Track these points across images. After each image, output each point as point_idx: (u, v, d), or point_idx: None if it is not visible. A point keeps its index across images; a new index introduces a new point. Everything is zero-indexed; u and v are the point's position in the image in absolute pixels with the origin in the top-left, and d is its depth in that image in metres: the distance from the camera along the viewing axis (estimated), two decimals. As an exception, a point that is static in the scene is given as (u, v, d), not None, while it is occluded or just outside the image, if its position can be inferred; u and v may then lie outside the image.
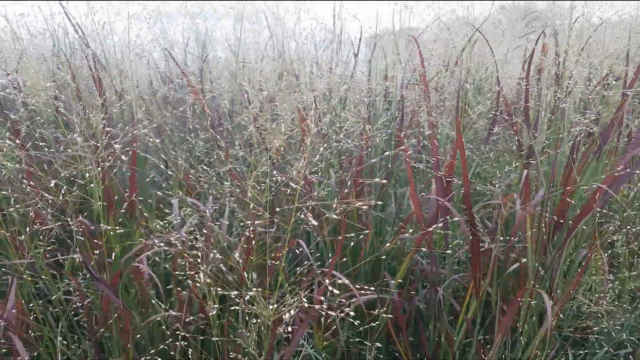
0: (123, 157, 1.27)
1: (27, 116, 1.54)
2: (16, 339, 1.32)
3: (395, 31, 2.51)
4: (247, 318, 1.28)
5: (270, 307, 1.17)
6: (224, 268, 1.26)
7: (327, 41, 2.41)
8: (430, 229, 1.49)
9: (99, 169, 1.24)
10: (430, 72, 2.10)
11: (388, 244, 1.62)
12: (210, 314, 1.22)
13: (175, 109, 1.77)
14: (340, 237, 1.34)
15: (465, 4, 2.84)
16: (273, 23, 2.37)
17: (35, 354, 1.44)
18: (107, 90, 1.61)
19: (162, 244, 1.31)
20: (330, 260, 1.71)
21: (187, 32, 2.51)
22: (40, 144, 1.39)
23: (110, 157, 1.25)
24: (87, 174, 1.24)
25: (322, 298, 1.18)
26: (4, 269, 1.49)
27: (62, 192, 1.27)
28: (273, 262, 1.34)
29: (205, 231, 1.39)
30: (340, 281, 1.21)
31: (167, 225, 1.49)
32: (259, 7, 2.47)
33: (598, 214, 1.45)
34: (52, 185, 1.22)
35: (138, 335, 1.49)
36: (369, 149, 1.65)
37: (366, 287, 1.27)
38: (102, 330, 1.44)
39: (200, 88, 1.98)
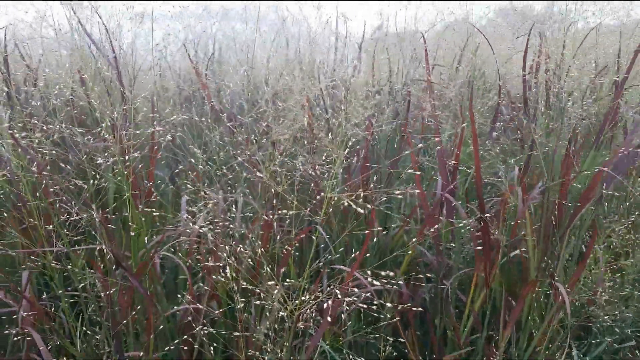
0: (168, 136, 1.31)
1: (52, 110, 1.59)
2: (33, 331, 1.36)
3: (397, 32, 2.56)
4: (267, 313, 1.30)
5: (296, 301, 1.19)
6: (248, 260, 1.29)
7: (331, 41, 2.46)
8: (434, 221, 1.53)
9: (124, 158, 1.28)
10: (434, 71, 2.15)
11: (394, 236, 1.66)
12: (239, 306, 1.24)
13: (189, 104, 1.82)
14: (367, 231, 1.37)
15: (465, 7, 2.89)
16: (281, 24, 2.43)
17: (58, 342, 1.47)
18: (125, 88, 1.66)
19: (187, 232, 1.34)
20: (341, 253, 1.75)
21: (200, 33, 2.56)
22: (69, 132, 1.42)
23: (135, 150, 1.28)
24: (115, 166, 1.28)
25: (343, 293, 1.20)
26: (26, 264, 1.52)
27: (87, 183, 1.31)
28: (288, 250, 1.36)
29: (218, 221, 1.42)
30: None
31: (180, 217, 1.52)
32: (269, 8, 2.52)
33: (602, 201, 1.49)
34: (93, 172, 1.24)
35: (161, 327, 1.51)
36: (375, 140, 1.69)
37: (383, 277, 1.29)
38: (124, 321, 1.46)
39: (212, 85, 2.03)
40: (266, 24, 2.65)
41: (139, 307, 1.52)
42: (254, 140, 1.42)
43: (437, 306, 1.75)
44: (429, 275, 1.77)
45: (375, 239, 1.73)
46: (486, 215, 1.47)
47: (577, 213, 1.42)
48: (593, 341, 1.73)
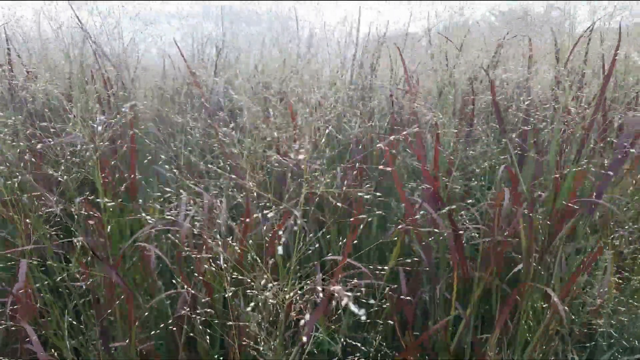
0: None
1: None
2: (25, 324, 1.33)
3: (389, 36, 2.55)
4: (259, 303, 1.28)
5: (285, 288, 1.16)
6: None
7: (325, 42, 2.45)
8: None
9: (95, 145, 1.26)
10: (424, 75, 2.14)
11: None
12: (228, 295, 1.22)
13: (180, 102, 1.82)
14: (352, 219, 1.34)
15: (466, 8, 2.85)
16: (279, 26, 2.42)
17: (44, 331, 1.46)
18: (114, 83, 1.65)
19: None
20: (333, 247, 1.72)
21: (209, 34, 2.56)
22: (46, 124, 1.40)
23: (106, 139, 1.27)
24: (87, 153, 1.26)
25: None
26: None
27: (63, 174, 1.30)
28: (274, 238, 1.33)
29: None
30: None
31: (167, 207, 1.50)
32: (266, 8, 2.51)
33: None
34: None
35: (146, 313, 1.49)
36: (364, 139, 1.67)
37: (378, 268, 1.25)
38: (109, 311, 1.45)
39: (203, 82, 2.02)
40: (272, 25, 2.64)
41: (122, 297, 1.50)
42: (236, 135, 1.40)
43: (432, 308, 1.72)
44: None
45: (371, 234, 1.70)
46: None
47: (559, 230, 1.38)
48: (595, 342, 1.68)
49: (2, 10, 2.10)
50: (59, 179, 1.30)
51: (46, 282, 1.48)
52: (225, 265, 1.22)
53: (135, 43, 2.17)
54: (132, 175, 1.48)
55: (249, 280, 1.19)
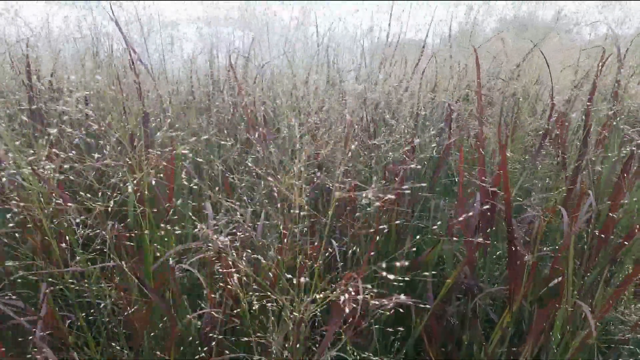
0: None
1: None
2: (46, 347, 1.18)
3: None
4: (282, 317, 1.15)
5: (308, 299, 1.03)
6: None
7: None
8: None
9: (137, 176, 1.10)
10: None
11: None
12: (255, 307, 1.09)
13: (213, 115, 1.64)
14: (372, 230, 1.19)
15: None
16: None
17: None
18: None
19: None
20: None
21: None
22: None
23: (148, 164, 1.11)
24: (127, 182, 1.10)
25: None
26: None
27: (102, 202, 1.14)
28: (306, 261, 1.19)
29: (240, 234, 1.24)
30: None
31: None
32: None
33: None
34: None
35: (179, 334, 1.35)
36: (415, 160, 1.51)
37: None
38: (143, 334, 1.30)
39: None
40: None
41: (153, 316, 1.35)
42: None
43: (465, 322, 1.60)
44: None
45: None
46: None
47: (621, 247, 1.26)
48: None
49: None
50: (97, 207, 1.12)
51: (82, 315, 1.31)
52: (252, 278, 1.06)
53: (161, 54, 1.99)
54: (171, 199, 1.31)
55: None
